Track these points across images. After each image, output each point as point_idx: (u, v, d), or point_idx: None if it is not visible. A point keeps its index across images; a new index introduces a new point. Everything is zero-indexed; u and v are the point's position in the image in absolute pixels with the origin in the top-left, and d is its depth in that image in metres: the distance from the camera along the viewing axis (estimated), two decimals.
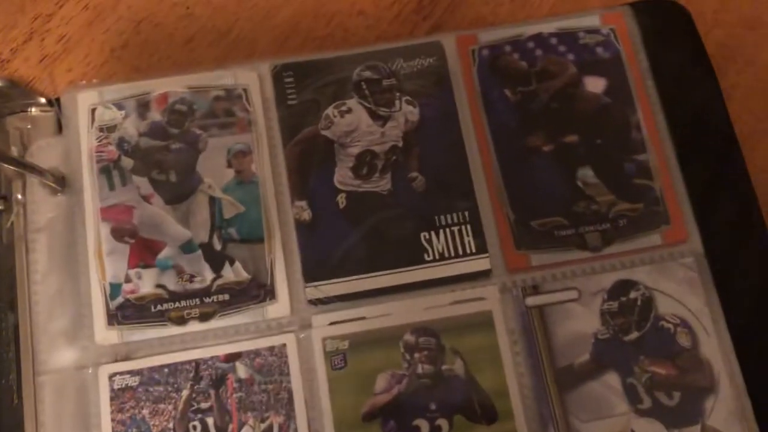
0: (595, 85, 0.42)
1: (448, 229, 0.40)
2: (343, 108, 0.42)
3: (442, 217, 0.40)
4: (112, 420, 0.37)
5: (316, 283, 0.39)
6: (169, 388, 0.38)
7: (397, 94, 0.42)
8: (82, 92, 0.41)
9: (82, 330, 0.38)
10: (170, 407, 0.38)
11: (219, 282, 0.39)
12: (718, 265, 0.40)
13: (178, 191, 0.40)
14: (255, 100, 0.41)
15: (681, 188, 0.41)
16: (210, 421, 0.37)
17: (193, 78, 0.42)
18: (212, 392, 0.38)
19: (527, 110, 0.42)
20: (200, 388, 0.38)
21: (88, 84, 0.42)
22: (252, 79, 0.42)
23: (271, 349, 0.38)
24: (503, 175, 0.41)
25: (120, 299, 0.39)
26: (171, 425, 0.37)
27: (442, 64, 0.42)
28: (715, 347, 0.39)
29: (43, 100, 0.42)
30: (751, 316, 0.39)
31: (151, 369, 0.38)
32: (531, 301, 0.39)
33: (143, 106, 0.41)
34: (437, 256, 0.40)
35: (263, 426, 0.37)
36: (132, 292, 0.39)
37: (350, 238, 0.40)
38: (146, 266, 0.39)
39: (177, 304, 0.39)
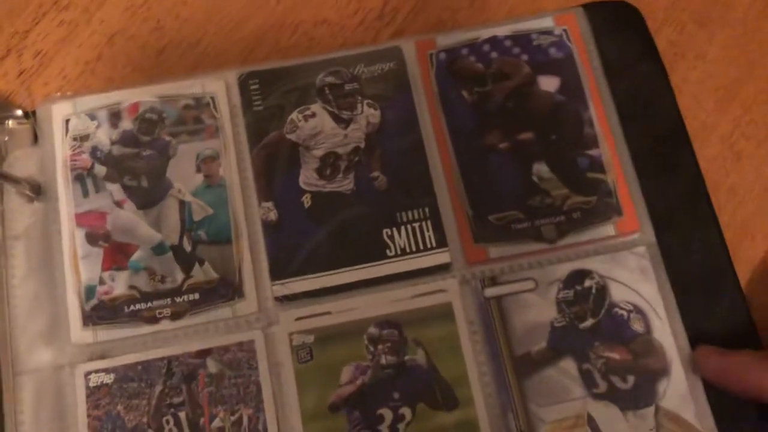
0: (549, 84, 0.44)
1: (409, 226, 0.42)
2: (307, 112, 0.43)
3: (403, 214, 0.42)
4: (89, 416, 0.39)
5: (282, 281, 0.41)
6: (143, 385, 0.39)
7: (359, 97, 0.44)
8: (56, 104, 0.43)
9: (58, 331, 0.40)
10: (144, 402, 0.39)
11: (189, 282, 0.41)
12: (669, 253, 0.41)
13: (150, 196, 0.42)
14: (222, 107, 0.43)
15: (633, 181, 0.43)
16: (182, 415, 0.39)
17: (162, 88, 0.44)
18: (184, 387, 0.39)
19: (484, 110, 0.43)
20: (172, 383, 0.39)
21: (62, 96, 0.44)
22: (219, 87, 0.44)
23: (240, 344, 0.40)
24: (462, 172, 0.42)
25: (95, 300, 0.40)
26: (145, 420, 0.39)
27: (402, 68, 0.44)
28: (668, 332, 0.40)
29: (19, 112, 0.43)
30: (702, 301, 0.41)
31: (126, 367, 0.39)
32: (489, 292, 0.41)
33: (115, 115, 0.43)
34: (399, 252, 0.41)
35: (233, 418, 0.39)
36: (106, 293, 0.40)
37: (315, 237, 0.41)
38: (119, 268, 0.41)
39: (149, 304, 0.40)
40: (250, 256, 0.41)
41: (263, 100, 0.43)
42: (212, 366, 0.40)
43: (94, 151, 0.42)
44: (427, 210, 0.42)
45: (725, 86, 0.47)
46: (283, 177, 0.42)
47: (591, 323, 0.40)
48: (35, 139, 0.43)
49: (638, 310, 0.40)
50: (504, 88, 0.44)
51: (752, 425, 0.39)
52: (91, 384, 0.39)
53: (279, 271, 0.41)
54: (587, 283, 0.41)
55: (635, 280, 0.41)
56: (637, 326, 0.40)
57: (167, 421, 0.39)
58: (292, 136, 0.43)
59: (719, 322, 0.41)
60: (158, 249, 0.41)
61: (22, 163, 0.42)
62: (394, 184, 0.42)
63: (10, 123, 0.43)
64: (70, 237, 0.41)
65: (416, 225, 0.42)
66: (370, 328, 0.40)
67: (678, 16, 0.48)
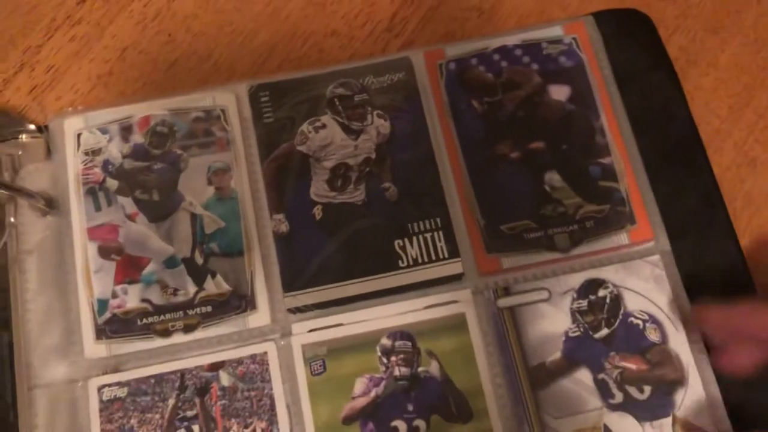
0: (560, 92, 0.44)
1: (420, 236, 0.41)
2: (318, 124, 0.43)
3: (415, 225, 0.42)
4: (102, 430, 0.39)
5: (294, 293, 0.41)
6: (156, 398, 0.39)
7: (369, 108, 0.44)
8: (68, 119, 0.43)
9: (72, 345, 0.40)
10: (157, 416, 0.39)
11: (201, 294, 0.41)
12: (684, 261, 0.41)
13: (161, 209, 0.42)
14: (233, 119, 0.43)
15: (646, 189, 0.42)
16: (196, 428, 0.39)
17: (173, 101, 0.44)
18: (197, 400, 0.39)
19: (494, 120, 0.43)
20: (185, 396, 0.39)
21: (74, 111, 0.44)
22: (230, 100, 0.44)
23: (253, 357, 0.40)
24: (473, 182, 0.42)
25: (107, 314, 0.40)
26: None
27: (411, 79, 0.44)
28: (684, 341, 0.40)
29: (32, 126, 0.44)
30: None
31: (138, 380, 0.39)
32: (503, 302, 0.40)
33: (126, 129, 0.43)
34: (411, 263, 0.41)
35: (247, 431, 0.39)
36: (119, 307, 0.40)
37: (327, 248, 0.41)
38: (132, 282, 0.41)
39: (162, 317, 0.40)
40: (263, 268, 0.41)
41: (273, 112, 0.43)
42: (225, 379, 0.39)
43: (105, 165, 0.42)
44: (438, 220, 0.42)
45: (738, 93, 0.46)
46: (294, 189, 0.42)
47: (606, 333, 0.40)
48: (48, 153, 0.43)
49: (653, 320, 0.40)
50: (514, 98, 0.44)
51: None
52: (104, 398, 0.39)
53: (291, 282, 0.41)
54: (601, 292, 0.40)
55: (650, 289, 0.40)
56: (653, 335, 0.40)
57: None
58: (302, 148, 0.43)
59: None
60: (170, 262, 0.41)
61: (35, 177, 0.42)
62: (406, 195, 0.42)
63: (24, 137, 0.43)
64: (83, 251, 0.41)
65: (428, 235, 0.41)
66: (382, 339, 0.40)
67: (689, 24, 0.48)
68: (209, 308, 0.40)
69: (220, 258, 0.41)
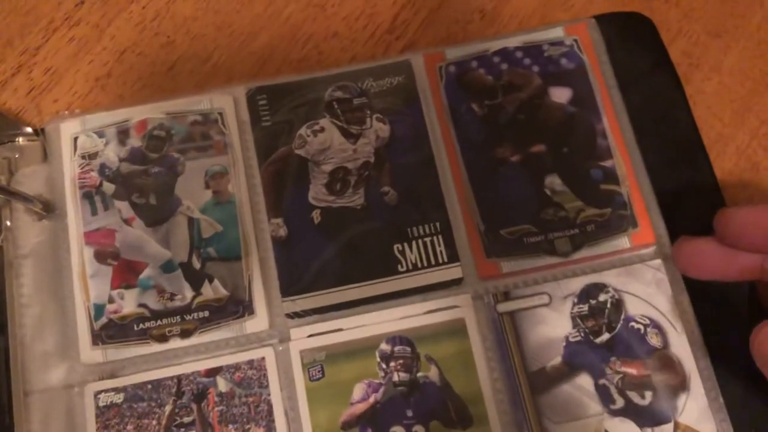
0: (561, 95, 0.43)
1: (420, 240, 0.41)
2: (316, 127, 0.43)
3: (415, 229, 0.41)
4: None
5: (293, 298, 0.40)
6: (153, 404, 0.39)
7: (368, 112, 0.43)
8: (64, 122, 0.43)
9: (68, 350, 0.40)
10: (154, 422, 0.39)
11: (199, 299, 0.40)
12: None
13: (158, 213, 0.42)
14: (230, 122, 0.43)
15: (648, 192, 0.42)
16: None
17: (170, 104, 0.43)
18: (194, 406, 0.39)
19: (494, 123, 0.43)
20: (182, 402, 0.39)
21: (71, 114, 0.44)
22: (227, 103, 0.43)
23: (251, 362, 0.39)
24: (473, 186, 0.42)
25: (104, 319, 0.40)
26: None
27: (411, 82, 0.44)
28: (686, 346, 0.39)
29: (29, 129, 0.43)
30: (720, 313, 0.40)
31: (135, 386, 0.39)
32: (502, 307, 0.40)
33: (123, 133, 0.43)
34: (410, 267, 0.41)
35: None
36: (115, 312, 0.40)
37: (326, 253, 0.41)
38: (128, 287, 0.40)
39: (159, 322, 0.40)
40: (261, 272, 0.41)
41: (272, 116, 0.43)
42: (222, 384, 0.39)
43: (102, 168, 0.42)
44: (438, 225, 0.41)
45: (741, 97, 0.46)
46: (292, 193, 0.42)
47: (607, 338, 0.39)
48: (45, 156, 0.43)
49: (655, 324, 0.40)
50: (515, 100, 0.43)
51: None
52: (100, 404, 0.39)
53: (289, 287, 0.40)
54: (602, 297, 0.40)
55: (651, 293, 0.40)
56: (654, 340, 0.39)
57: None
58: (300, 152, 0.43)
59: (738, 334, 0.40)
60: (167, 266, 0.41)
61: (31, 181, 0.42)
62: (405, 199, 0.42)
63: (20, 140, 0.43)
64: (79, 255, 0.41)
65: (427, 240, 0.41)
66: (381, 344, 0.40)
67: (692, 27, 0.48)
68: (206, 313, 0.40)
69: (218, 262, 0.41)
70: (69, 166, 0.42)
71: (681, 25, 0.48)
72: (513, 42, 0.45)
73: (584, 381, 0.39)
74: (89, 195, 0.42)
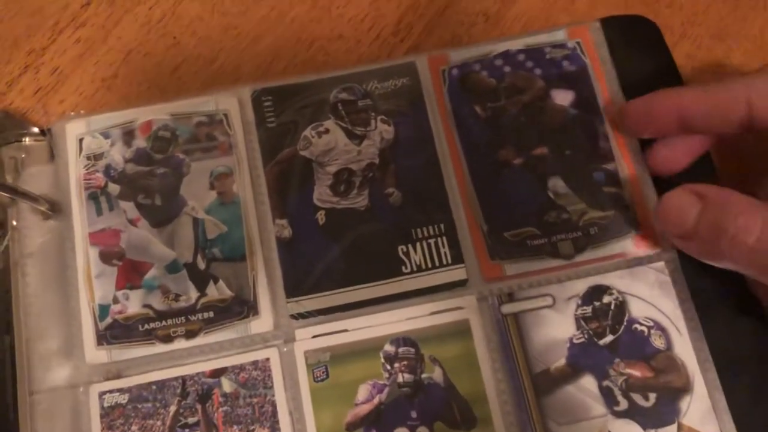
0: (563, 97, 0.44)
1: (424, 242, 0.41)
2: (321, 129, 0.43)
3: (419, 230, 0.41)
4: None
5: (297, 298, 0.40)
6: (157, 405, 0.39)
7: (373, 113, 0.43)
8: (70, 123, 0.43)
9: (73, 350, 0.40)
10: (159, 423, 0.39)
11: (203, 300, 0.40)
12: (690, 267, 0.41)
13: (163, 214, 0.42)
14: (235, 124, 0.43)
15: (651, 194, 0.42)
16: None
17: (175, 105, 0.44)
18: (199, 407, 0.39)
19: (497, 125, 0.43)
20: (187, 403, 0.39)
21: (76, 114, 0.44)
22: (232, 104, 0.44)
23: (255, 363, 0.39)
24: (476, 188, 0.42)
25: (108, 320, 0.40)
26: None
27: (416, 84, 0.44)
28: (689, 348, 0.39)
29: (36, 129, 0.43)
30: (724, 315, 0.40)
31: (140, 386, 0.39)
32: (506, 308, 0.40)
33: (128, 134, 0.43)
34: (415, 268, 0.41)
35: None
36: (120, 312, 0.40)
37: (330, 254, 0.41)
38: (133, 287, 0.40)
39: (163, 323, 0.40)
40: (265, 273, 0.41)
41: (276, 117, 0.43)
42: (227, 385, 0.39)
43: (107, 169, 0.42)
44: (442, 226, 0.41)
45: None
46: (296, 194, 0.42)
47: (611, 340, 0.40)
48: (51, 156, 0.43)
49: (658, 326, 0.40)
50: (517, 103, 0.43)
51: None
52: (105, 404, 0.39)
53: (294, 288, 0.40)
54: (606, 299, 0.40)
55: (655, 295, 0.40)
56: (658, 342, 0.40)
57: None
58: (305, 153, 0.43)
59: (741, 336, 0.40)
60: (172, 267, 0.41)
61: (37, 180, 0.42)
62: (409, 200, 0.42)
63: (27, 140, 0.43)
64: (84, 255, 0.41)
65: (432, 241, 0.41)
66: (386, 345, 0.40)
67: (695, 31, 0.48)
68: (211, 314, 0.40)
69: (223, 263, 0.41)
70: (74, 167, 0.42)
71: (685, 28, 0.48)
72: (515, 45, 0.45)
73: (588, 382, 0.39)
74: (94, 195, 0.42)
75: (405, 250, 0.41)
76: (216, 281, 0.41)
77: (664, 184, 0.42)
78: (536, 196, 0.42)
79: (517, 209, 0.42)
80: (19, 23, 0.47)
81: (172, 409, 0.39)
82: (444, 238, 0.41)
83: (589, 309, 0.40)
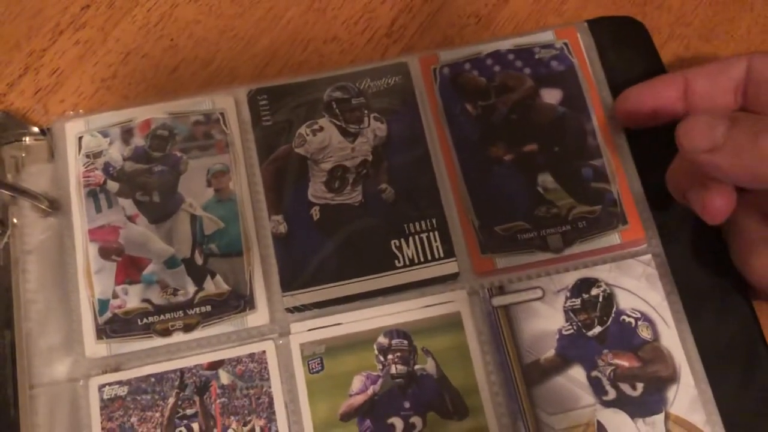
0: (552, 96, 0.45)
1: (417, 237, 0.42)
2: (315, 127, 0.44)
3: (411, 225, 0.42)
4: (103, 429, 0.39)
5: (293, 292, 0.41)
6: (156, 397, 0.40)
7: (366, 111, 0.44)
8: (69, 122, 0.44)
9: (73, 344, 0.41)
10: (157, 414, 0.40)
11: (201, 294, 0.41)
12: (675, 260, 0.42)
13: (161, 211, 0.43)
14: (232, 122, 0.44)
15: (638, 189, 0.43)
16: (195, 426, 0.39)
17: (173, 105, 0.44)
18: (197, 399, 0.40)
19: (488, 123, 0.44)
20: (185, 395, 0.40)
21: (76, 114, 0.45)
22: (229, 104, 0.44)
23: (252, 356, 0.40)
24: (467, 184, 0.43)
25: (108, 314, 0.41)
26: (158, 431, 0.39)
27: (408, 83, 0.45)
28: (676, 339, 0.40)
29: (36, 129, 0.44)
30: (709, 306, 0.41)
31: (139, 379, 0.40)
32: (497, 301, 0.41)
33: (127, 132, 0.44)
34: (407, 262, 0.42)
35: (246, 429, 0.39)
36: (119, 307, 0.41)
37: (325, 249, 0.42)
38: (132, 282, 0.41)
39: (162, 317, 0.41)
40: (261, 268, 0.42)
41: (272, 116, 0.44)
42: (224, 377, 0.40)
43: (106, 167, 0.43)
44: (434, 221, 0.42)
45: None
46: (292, 190, 0.43)
47: (599, 331, 0.41)
48: (51, 155, 0.44)
49: (645, 318, 0.41)
50: (507, 101, 0.45)
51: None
52: (105, 396, 0.40)
53: (289, 282, 0.41)
54: (594, 291, 0.41)
55: (642, 287, 0.41)
56: (645, 333, 0.40)
57: None
58: (300, 150, 0.44)
59: (727, 327, 0.41)
60: (170, 262, 0.42)
61: (36, 179, 0.43)
62: (402, 196, 0.43)
63: (27, 140, 0.44)
64: (84, 251, 0.42)
65: (424, 236, 0.42)
66: (379, 338, 0.41)
67: (683, 32, 0.49)
68: (209, 308, 0.41)
69: (220, 258, 0.42)
70: (74, 165, 0.43)
71: (673, 29, 0.49)
72: (505, 45, 0.46)
73: (577, 373, 0.40)
74: (94, 193, 0.43)
75: (398, 244, 0.42)
76: (213, 276, 0.41)
77: (650, 180, 0.43)
78: (526, 192, 0.43)
79: (508, 204, 0.43)
80: (20, 25, 0.48)
81: (171, 400, 0.40)
82: (436, 232, 0.42)
83: (578, 301, 0.41)
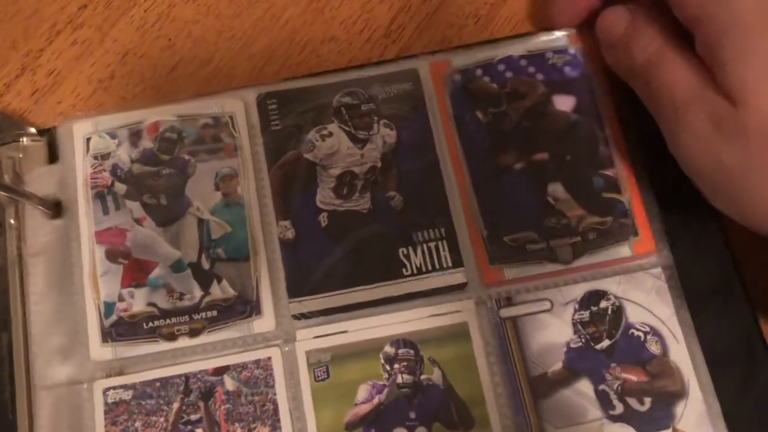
0: (564, 103, 0.44)
1: (425, 245, 0.42)
2: (324, 132, 0.44)
3: (419, 234, 0.42)
4: None
5: (299, 299, 0.41)
6: (161, 401, 0.40)
7: (375, 118, 0.44)
8: (77, 123, 0.44)
9: (77, 347, 0.40)
10: (162, 419, 0.39)
11: (207, 299, 0.41)
12: (686, 274, 0.41)
13: (169, 214, 0.42)
14: (241, 126, 0.44)
15: (650, 201, 0.43)
16: (199, 431, 0.39)
17: (182, 107, 0.44)
18: (201, 404, 0.40)
19: (498, 130, 0.44)
20: (190, 400, 0.40)
21: (84, 114, 0.44)
22: (238, 107, 0.44)
23: (257, 362, 0.40)
24: (476, 193, 0.43)
25: (114, 317, 0.41)
26: None
27: (418, 89, 0.45)
28: (684, 353, 0.40)
29: (33, 130, 0.44)
30: (718, 322, 0.41)
31: (144, 383, 0.40)
32: (505, 312, 0.41)
33: (135, 134, 0.43)
34: (415, 271, 0.41)
35: None
36: (125, 310, 0.41)
37: (332, 255, 0.42)
38: (138, 285, 0.41)
39: (168, 321, 0.41)
40: (268, 274, 0.41)
41: (281, 120, 0.44)
42: (229, 383, 0.40)
43: (114, 169, 0.43)
44: (442, 230, 0.42)
45: None
46: (300, 196, 0.43)
47: (607, 344, 0.40)
48: (49, 156, 0.43)
49: (654, 332, 0.40)
50: (519, 108, 0.44)
51: None
52: (109, 400, 0.39)
53: (296, 289, 0.41)
54: (603, 304, 0.41)
55: (651, 301, 0.41)
56: (654, 348, 0.40)
57: None
58: (309, 156, 0.43)
59: (735, 341, 0.40)
60: (177, 266, 0.41)
61: (41, 182, 0.43)
62: (410, 204, 0.42)
63: (24, 141, 0.44)
64: (90, 254, 0.42)
65: (432, 245, 0.42)
66: (386, 347, 0.40)
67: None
68: (215, 313, 0.41)
69: (226, 263, 0.42)
70: (81, 167, 0.43)
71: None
72: (517, 50, 0.45)
73: (584, 386, 0.40)
74: (101, 195, 0.42)
75: (405, 252, 0.42)
76: (220, 281, 0.41)
77: (665, 193, 0.43)
78: (536, 201, 0.42)
79: (517, 214, 0.42)
80: (17, 26, 0.48)
81: (175, 406, 0.40)
82: (444, 241, 0.42)
83: (586, 314, 0.41)
